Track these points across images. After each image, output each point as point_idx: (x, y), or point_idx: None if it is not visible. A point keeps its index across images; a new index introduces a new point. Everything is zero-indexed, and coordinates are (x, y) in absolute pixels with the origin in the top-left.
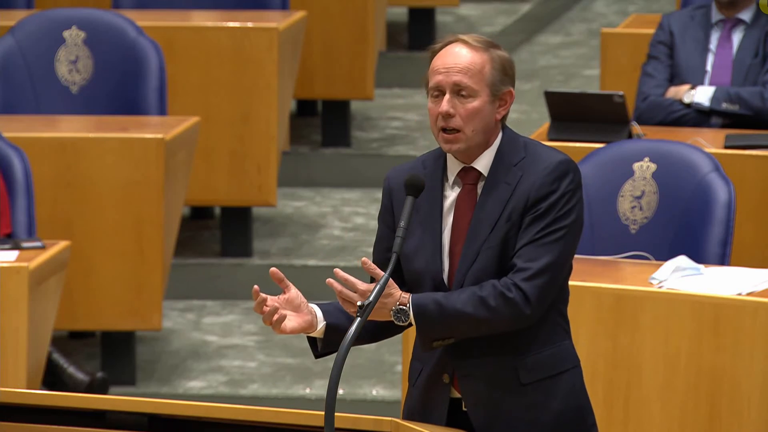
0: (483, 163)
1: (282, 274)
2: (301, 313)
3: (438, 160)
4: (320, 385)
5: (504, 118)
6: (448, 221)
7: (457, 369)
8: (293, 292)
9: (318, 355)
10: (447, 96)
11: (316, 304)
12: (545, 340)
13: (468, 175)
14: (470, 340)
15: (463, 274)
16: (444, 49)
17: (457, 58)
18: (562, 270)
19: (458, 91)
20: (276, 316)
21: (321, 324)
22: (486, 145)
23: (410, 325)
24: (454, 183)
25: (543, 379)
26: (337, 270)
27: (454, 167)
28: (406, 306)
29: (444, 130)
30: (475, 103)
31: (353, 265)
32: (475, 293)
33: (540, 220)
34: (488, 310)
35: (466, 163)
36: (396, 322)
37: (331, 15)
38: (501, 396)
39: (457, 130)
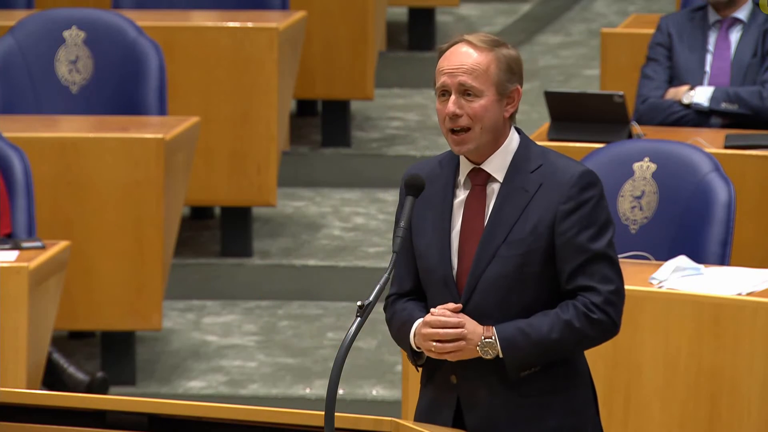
0: (493, 165)
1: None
2: None
3: (452, 159)
4: (320, 385)
5: (513, 115)
6: (458, 221)
7: (462, 371)
8: None
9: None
10: (453, 97)
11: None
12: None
13: (478, 175)
14: None
15: (477, 277)
16: (449, 50)
17: (462, 58)
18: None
19: (464, 91)
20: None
21: None
22: (495, 145)
23: (496, 357)
24: (465, 183)
25: (543, 395)
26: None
27: (465, 168)
28: (492, 339)
29: (453, 131)
30: (481, 102)
31: (353, 265)
32: (559, 317)
33: (584, 231)
34: (575, 333)
35: (477, 163)
36: (483, 357)
37: (331, 15)
38: (499, 404)
39: (466, 129)
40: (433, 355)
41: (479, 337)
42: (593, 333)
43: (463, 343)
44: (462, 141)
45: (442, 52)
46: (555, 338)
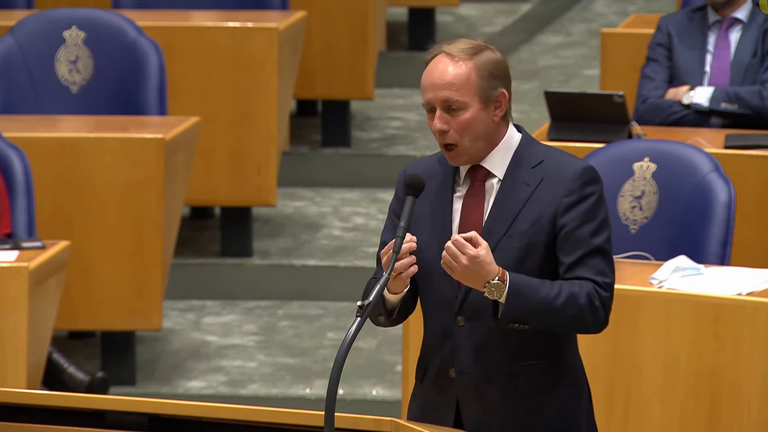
0: (493, 162)
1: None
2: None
3: None
4: (320, 385)
5: (505, 116)
6: (457, 216)
7: (460, 365)
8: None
9: (390, 322)
10: (438, 113)
11: None
12: (555, 352)
13: (477, 172)
14: (481, 339)
15: None
16: (430, 64)
17: (442, 73)
18: None
19: (447, 107)
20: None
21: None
22: (491, 146)
23: (494, 301)
24: (464, 180)
25: (539, 392)
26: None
27: (464, 165)
28: (504, 282)
29: (445, 146)
30: (466, 115)
31: (353, 265)
32: (567, 287)
33: (585, 225)
34: (576, 308)
35: (475, 161)
36: (486, 295)
37: (331, 15)
38: (497, 399)
39: (455, 144)
40: (444, 263)
41: (493, 275)
42: (588, 317)
43: (474, 266)
44: (455, 156)
45: (426, 64)
46: (558, 304)
